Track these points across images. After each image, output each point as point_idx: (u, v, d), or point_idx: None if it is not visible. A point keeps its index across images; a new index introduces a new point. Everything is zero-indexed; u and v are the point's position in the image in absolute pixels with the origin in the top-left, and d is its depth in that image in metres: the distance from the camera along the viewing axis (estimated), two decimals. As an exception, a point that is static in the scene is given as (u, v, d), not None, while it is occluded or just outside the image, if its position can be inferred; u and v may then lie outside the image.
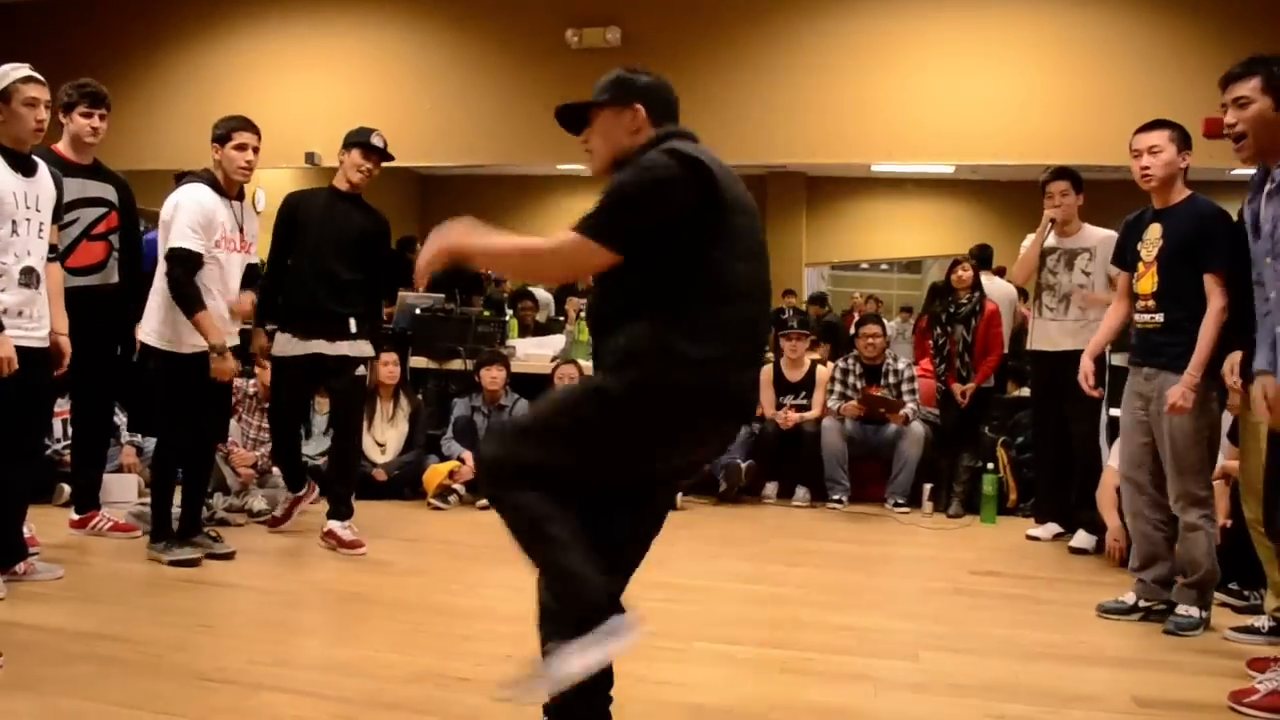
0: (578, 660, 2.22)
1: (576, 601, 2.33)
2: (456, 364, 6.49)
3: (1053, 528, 5.35)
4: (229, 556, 4.34)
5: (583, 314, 7.13)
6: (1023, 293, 8.13)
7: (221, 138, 4.24)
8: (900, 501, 6.10)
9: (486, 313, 6.93)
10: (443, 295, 7.11)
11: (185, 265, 4.08)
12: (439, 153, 8.62)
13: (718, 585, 4.26)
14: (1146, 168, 3.77)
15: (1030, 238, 5.39)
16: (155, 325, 4.19)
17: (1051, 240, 5.25)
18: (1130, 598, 3.91)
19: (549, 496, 2.32)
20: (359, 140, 4.60)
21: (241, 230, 4.33)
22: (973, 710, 2.90)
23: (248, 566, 4.31)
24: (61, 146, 4.38)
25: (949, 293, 6.28)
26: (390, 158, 4.69)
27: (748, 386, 2.49)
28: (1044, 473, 5.51)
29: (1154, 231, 3.80)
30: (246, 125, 4.27)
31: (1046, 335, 5.21)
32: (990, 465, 5.95)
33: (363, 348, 4.69)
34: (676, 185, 2.31)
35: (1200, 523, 3.65)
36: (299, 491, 4.92)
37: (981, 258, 7.45)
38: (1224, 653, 3.47)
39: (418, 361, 6.59)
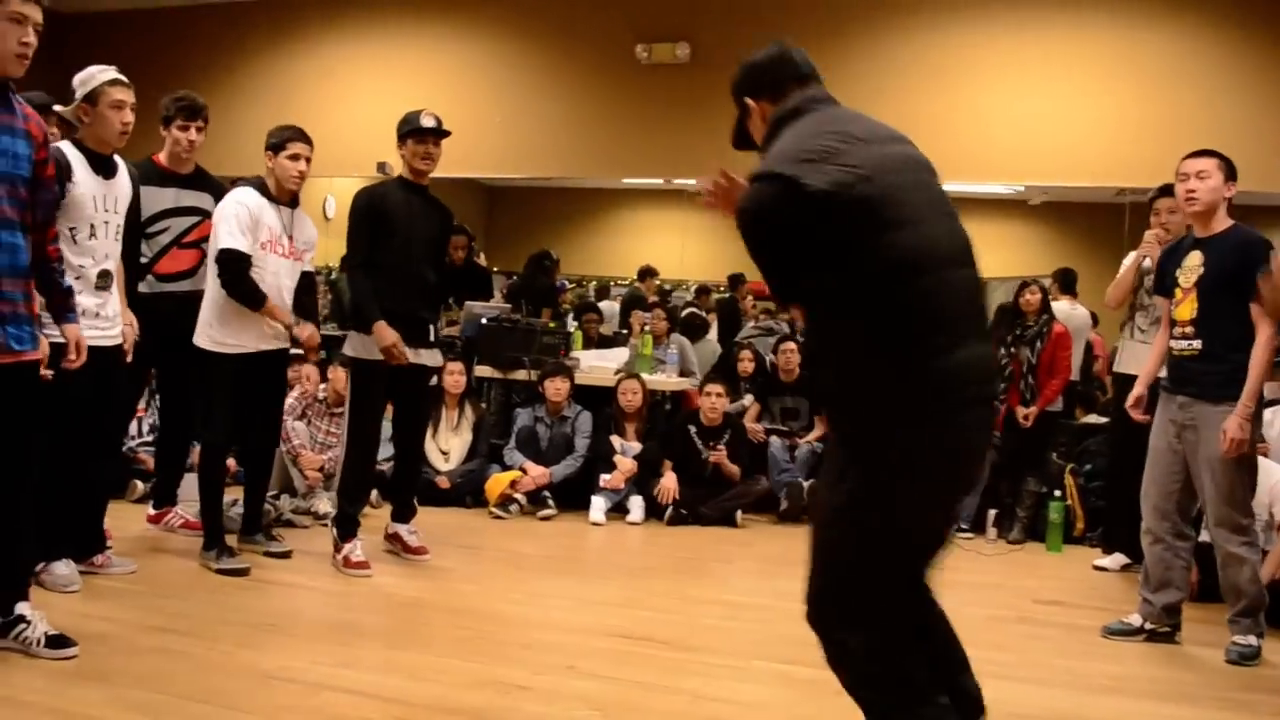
0: None
1: None
2: (520, 374, 6.54)
3: (1120, 558, 5.23)
4: (286, 555, 4.42)
5: (647, 328, 7.15)
6: (1095, 317, 7.99)
7: (275, 146, 4.27)
8: (964, 527, 6.01)
9: (552, 324, 6.98)
10: (509, 306, 7.18)
11: (236, 265, 4.11)
12: (508, 165, 8.71)
13: (778, 604, 4.21)
14: (1193, 191, 3.76)
15: (1131, 256, 5.24)
16: (203, 327, 4.21)
17: (1148, 261, 5.12)
18: (1136, 620, 3.95)
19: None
20: (411, 129, 4.45)
21: (291, 237, 4.33)
22: (1036, 741, 2.85)
23: (312, 568, 4.37)
24: (161, 157, 4.47)
25: (1017, 315, 6.19)
26: (447, 133, 4.51)
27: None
28: (1117, 501, 5.39)
29: (1194, 259, 3.78)
30: (300, 135, 4.30)
31: (1136, 358, 5.05)
32: (1058, 492, 5.84)
33: (437, 356, 4.70)
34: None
35: (1241, 551, 3.66)
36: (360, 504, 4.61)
37: (1065, 281, 7.34)
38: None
39: (482, 371, 6.65)
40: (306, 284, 4.48)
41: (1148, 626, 3.92)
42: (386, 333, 4.28)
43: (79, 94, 3.73)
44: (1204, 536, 4.43)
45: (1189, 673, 3.61)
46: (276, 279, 4.27)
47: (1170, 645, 3.89)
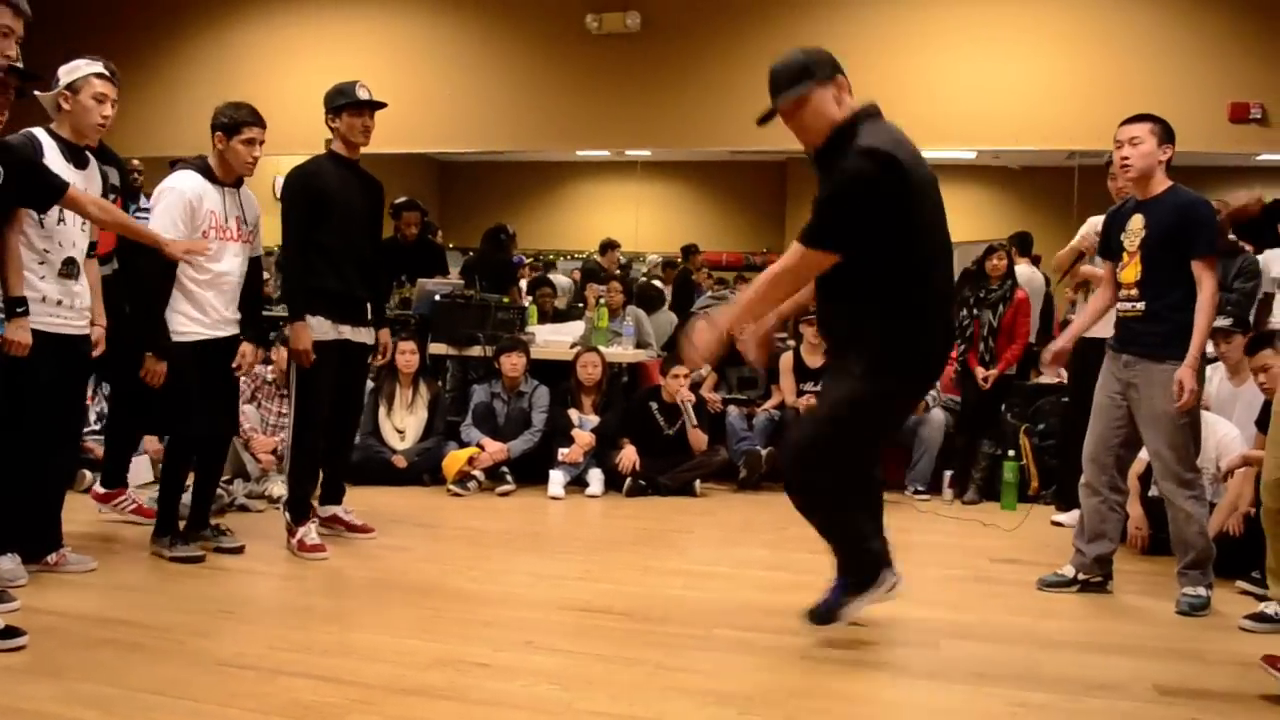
0: (863, 606, 3.25)
1: (865, 563, 3.23)
2: (476, 350, 6.49)
3: (1077, 514, 5.29)
4: (238, 551, 4.26)
5: (602, 300, 7.12)
6: (1049, 280, 8.08)
7: (228, 129, 4.05)
8: (920, 489, 6.07)
9: (505, 299, 6.93)
10: (464, 282, 7.11)
11: (155, 255, 3.94)
12: (458, 139, 8.62)
13: (738, 572, 4.25)
14: (1126, 158, 3.84)
15: (1078, 236, 5.30)
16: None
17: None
18: (1069, 571, 4.07)
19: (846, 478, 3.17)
20: (348, 101, 4.31)
21: (239, 219, 4.16)
22: (993, 699, 2.88)
23: (268, 553, 4.32)
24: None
25: (982, 278, 6.24)
26: (382, 104, 4.40)
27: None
28: (1073, 458, 5.45)
29: (1137, 222, 3.86)
30: (256, 119, 4.10)
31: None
32: (1012, 452, 5.91)
33: (372, 334, 4.59)
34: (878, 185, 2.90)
35: (1189, 505, 3.76)
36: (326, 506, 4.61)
37: (1022, 244, 7.41)
38: (1245, 641, 3.45)
39: (437, 348, 6.59)
40: (255, 274, 4.31)
41: (1080, 577, 4.04)
42: (304, 335, 4.23)
43: (63, 81, 3.67)
44: (1152, 491, 4.52)
45: (1141, 625, 3.67)
46: (222, 265, 4.11)
47: (1105, 595, 4.01)
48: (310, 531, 4.33)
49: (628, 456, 5.90)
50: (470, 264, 8.15)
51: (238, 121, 4.07)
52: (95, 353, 3.85)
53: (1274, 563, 3.55)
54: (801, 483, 3.18)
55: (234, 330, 4.22)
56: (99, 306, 3.88)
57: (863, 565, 3.24)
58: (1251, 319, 5.19)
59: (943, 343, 3.27)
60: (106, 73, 3.71)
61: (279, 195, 4.39)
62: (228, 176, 4.14)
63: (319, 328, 4.28)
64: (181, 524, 4.23)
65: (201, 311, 4.09)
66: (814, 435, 3.18)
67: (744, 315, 3.11)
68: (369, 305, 4.54)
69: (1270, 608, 3.60)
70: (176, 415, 4.19)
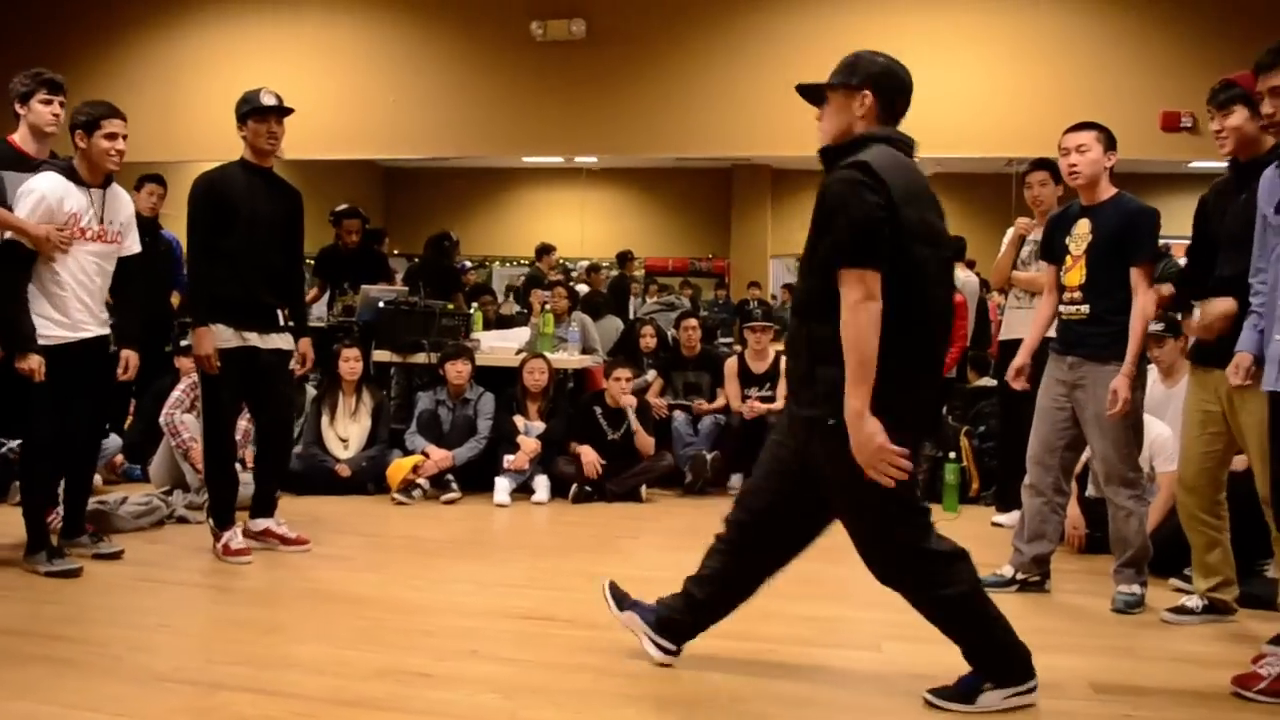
0: (1004, 702, 2.83)
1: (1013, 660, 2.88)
2: (420, 357, 6.45)
3: (1017, 515, 5.37)
4: (116, 556, 4.18)
5: (548, 306, 7.11)
6: (984, 284, 8.21)
7: (87, 125, 3.97)
8: (864, 492, 6.11)
9: (450, 306, 6.89)
10: (407, 289, 7.07)
11: (4, 254, 3.87)
12: (402, 145, 8.57)
13: (683, 577, 4.24)
14: (1074, 165, 3.91)
15: (1008, 235, 5.39)
16: None
17: (1035, 234, 5.25)
18: (1008, 570, 4.12)
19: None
20: (251, 108, 4.30)
21: (102, 220, 4.06)
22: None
23: (207, 565, 4.26)
24: (17, 138, 4.22)
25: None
26: (290, 110, 4.38)
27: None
28: (1010, 460, 5.54)
29: (1083, 226, 3.93)
30: (115, 112, 4.03)
31: (1020, 323, 5.23)
32: (953, 454, 5.99)
33: (289, 340, 4.52)
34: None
35: (1130, 504, 3.83)
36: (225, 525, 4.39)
37: (955, 249, 7.49)
38: (1177, 638, 3.53)
39: (381, 355, 6.54)
40: (127, 273, 4.21)
41: (1019, 577, 4.09)
42: (205, 342, 4.21)
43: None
44: (1089, 491, 4.61)
45: (1078, 623, 3.74)
46: (84, 266, 4.01)
47: (1043, 594, 4.07)
48: (235, 536, 4.30)
49: (589, 460, 5.88)
50: (414, 271, 8.09)
51: (96, 117, 4.00)
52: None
53: (1196, 556, 3.67)
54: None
55: (101, 331, 4.12)
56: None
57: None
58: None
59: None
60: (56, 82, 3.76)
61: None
62: (94, 176, 4.06)
63: (221, 334, 4.26)
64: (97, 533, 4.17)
65: (62, 313, 3.98)
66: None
67: (862, 407, 2.60)
68: (281, 312, 4.49)
69: (1191, 601, 3.70)
70: (22, 419, 4.03)
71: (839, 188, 2.65)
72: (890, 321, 2.58)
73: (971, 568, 2.88)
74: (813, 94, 2.92)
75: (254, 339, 4.35)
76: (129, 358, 4.21)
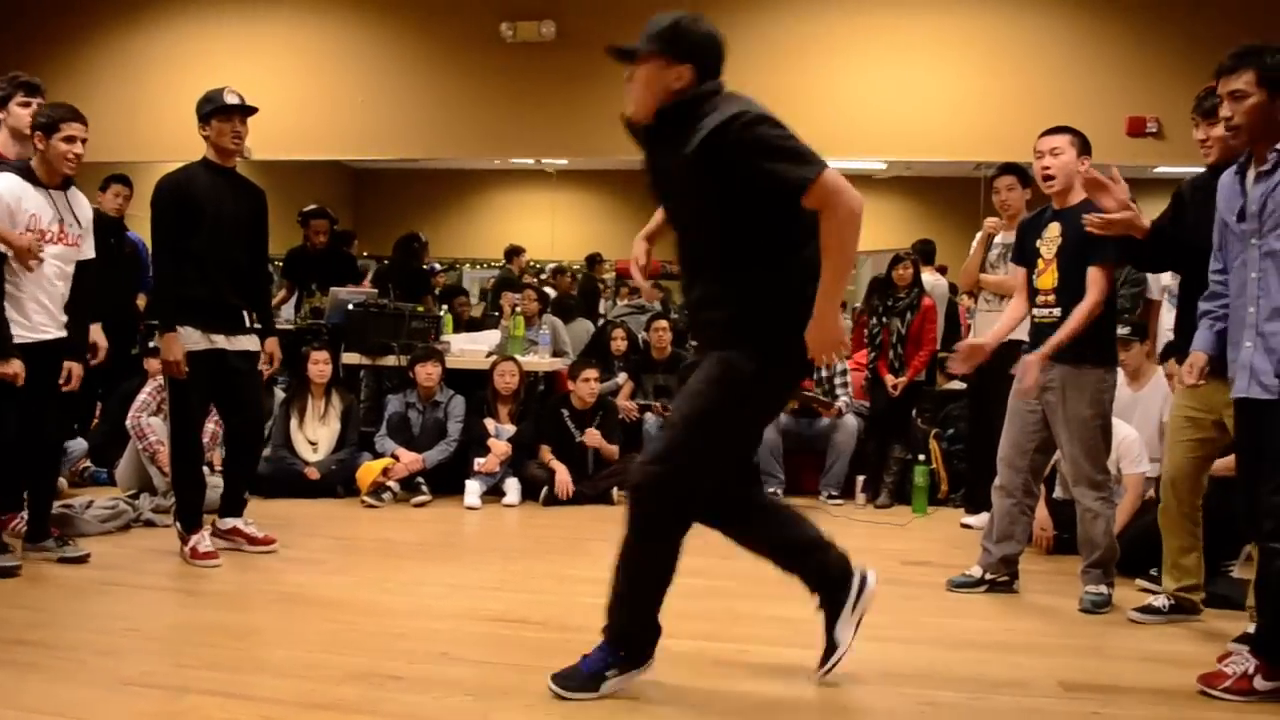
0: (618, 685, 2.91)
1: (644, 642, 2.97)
2: (390, 360, 6.42)
3: (986, 517, 5.42)
4: (83, 560, 4.15)
5: (518, 309, 7.09)
6: (953, 288, 8.28)
7: (46, 127, 3.96)
8: (834, 493, 6.16)
9: (420, 308, 6.86)
10: (376, 290, 7.03)
11: None
12: (371, 147, 8.52)
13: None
14: (1048, 168, 3.93)
15: (976, 239, 5.43)
16: None
17: (1002, 235, 5.30)
18: (977, 571, 4.16)
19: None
20: (215, 107, 4.25)
21: (63, 221, 4.05)
22: (904, 698, 2.94)
23: (174, 569, 4.21)
24: None
25: (889, 287, 6.35)
26: (253, 109, 4.33)
27: None
28: (979, 462, 5.59)
29: (1053, 230, 3.95)
30: (75, 115, 4.01)
31: (986, 327, 5.28)
32: (922, 457, 6.03)
33: (257, 342, 4.49)
34: None
35: (1097, 506, 3.87)
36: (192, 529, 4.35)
37: (924, 252, 7.55)
38: (1145, 637, 3.57)
39: (350, 358, 6.50)
40: (79, 281, 4.17)
41: (988, 577, 4.13)
42: (174, 347, 4.18)
43: None
44: (1057, 493, 4.66)
45: (1046, 623, 3.78)
46: (41, 269, 3.97)
47: (1012, 594, 4.11)
48: (203, 539, 4.27)
49: (562, 482, 5.85)
50: (383, 272, 8.06)
51: (55, 120, 3.98)
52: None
53: (1169, 558, 3.72)
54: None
55: (60, 334, 4.09)
56: None
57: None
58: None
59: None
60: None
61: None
62: (52, 179, 4.04)
63: (189, 337, 4.23)
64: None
65: (22, 314, 3.95)
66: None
67: (838, 295, 2.73)
68: (248, 313, 4.45)
69: (1158, 600, 3.75)
70: None
71: (757, 131, 2.64)
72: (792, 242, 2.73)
73: (675, 562, 2.92)
74: (626, 54, 2.82)
75: (221, 341, 4.32)
76: (71, 368, 4.16)
